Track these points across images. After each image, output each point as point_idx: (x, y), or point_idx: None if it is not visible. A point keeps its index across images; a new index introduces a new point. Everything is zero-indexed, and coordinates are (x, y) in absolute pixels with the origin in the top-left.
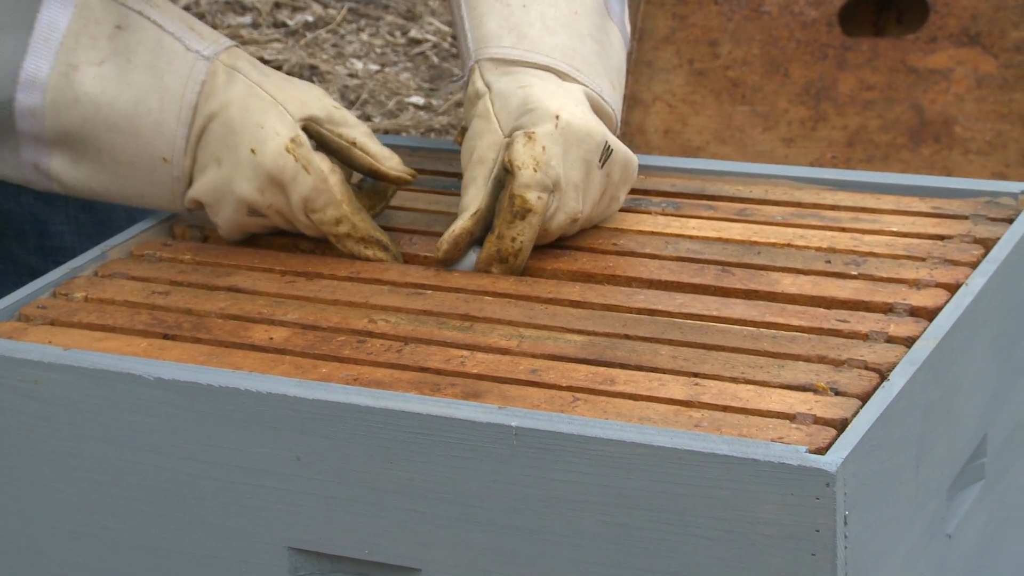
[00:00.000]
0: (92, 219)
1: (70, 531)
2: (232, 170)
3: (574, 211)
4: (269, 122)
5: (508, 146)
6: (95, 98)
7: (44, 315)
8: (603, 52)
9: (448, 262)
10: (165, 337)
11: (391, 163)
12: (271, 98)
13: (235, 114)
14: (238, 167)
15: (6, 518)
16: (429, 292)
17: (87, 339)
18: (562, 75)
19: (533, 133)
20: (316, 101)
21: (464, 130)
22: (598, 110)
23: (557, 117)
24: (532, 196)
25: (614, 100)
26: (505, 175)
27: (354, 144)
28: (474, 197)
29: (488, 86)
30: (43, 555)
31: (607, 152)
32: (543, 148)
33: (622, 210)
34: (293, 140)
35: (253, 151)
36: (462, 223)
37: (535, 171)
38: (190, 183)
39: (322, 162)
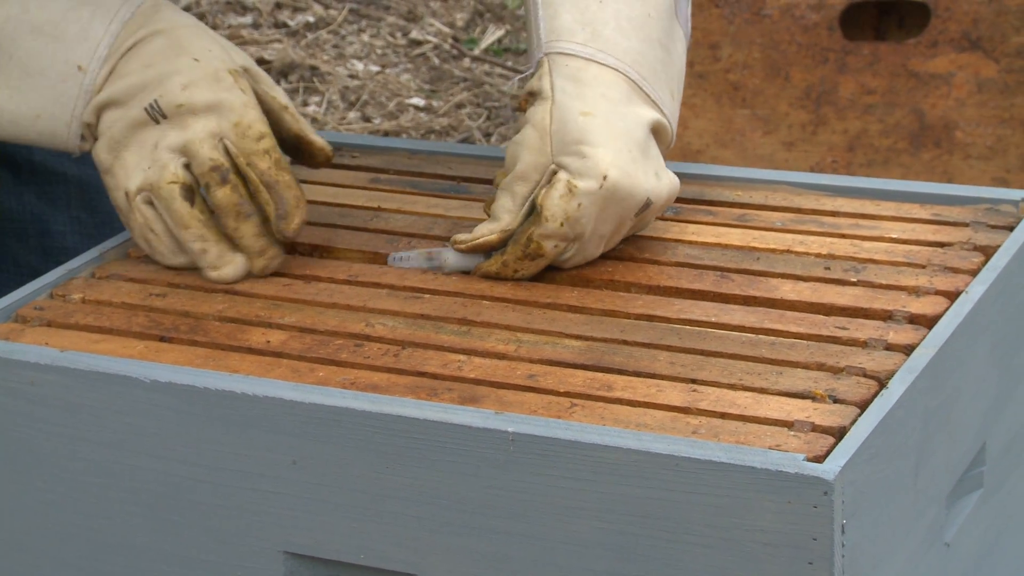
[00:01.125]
0: (94, 220)
1: (64, 533)
2: (164, 69)
3: (592, 256)
4: (217, 49)
5: (549, 185)
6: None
7: (41, 316)
8: (668, 59)
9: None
10: (162, 339)
11: (317, 135)
12: (219, 38)
13: (184, 35)
14: (174, 70)
15: (0, 518)
16: (427, 296)
17: (84, 341)
18: (630, 82)
19: (575, 187)
20: (253, 62)
21: (530, 96)
22: (658, 131)
23: (605, 177)
24: (548, 245)
25: (672, 111)
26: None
27: (286, 109)
28: (507, 211)
29: (552, 91)
30: (37, 556)
31: (645, 206)
32: (579, 205)
33: None
34: (235, 71)
35: (196, 60)
36: (489, 235)
37: (561, 225)
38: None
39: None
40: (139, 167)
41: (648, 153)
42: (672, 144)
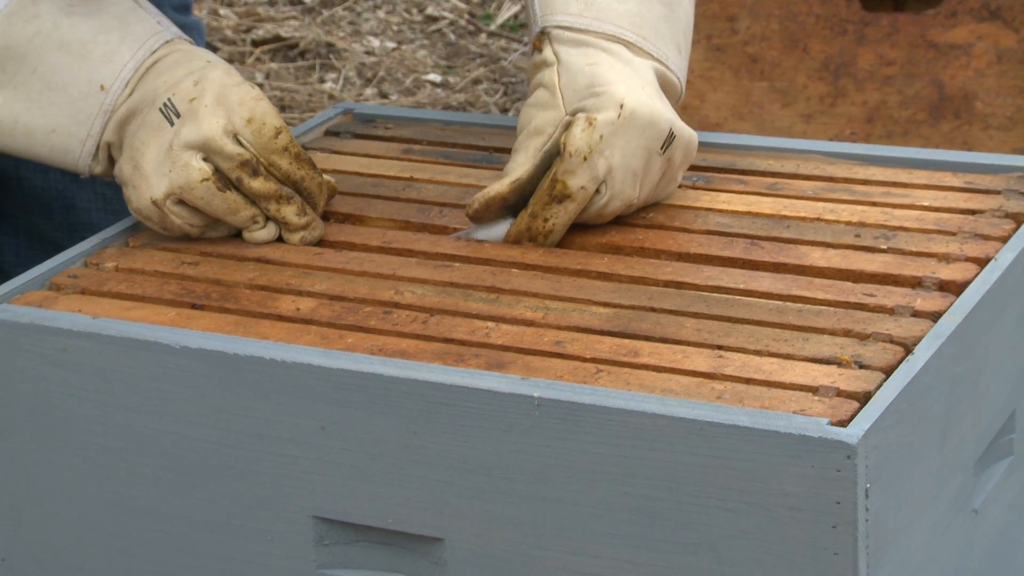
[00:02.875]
0: (118, 196)
1: (95, 498)
2: (176, 73)
3: (629, 198)
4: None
5: (567, 126)
6: (56, 18)
7: (75, 284)
8: (671, 15)
9: (476, 220)
10: (193, 307)
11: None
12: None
13: (199, 51)
14: (186, 72)
15: (32, 484)
16: (457, 264)
17: (116, 308)
18: (630, 46)
19: (594, 119)
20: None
21: (535, 68)
22: (665, 84)
23: (622, 105)
24: (574, 184)
25: (679, 66)
26: (556, 153)
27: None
28: (519, 165)
29: (556, 56)
30: (67, 522)
31: (670, 138)
32: (600, 137)
33: None
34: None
35: (208, 61)
36: (498, 187)
37: (585, 159)
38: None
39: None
40: (159, 172)
41: (662, 95)
42: (681, 98)
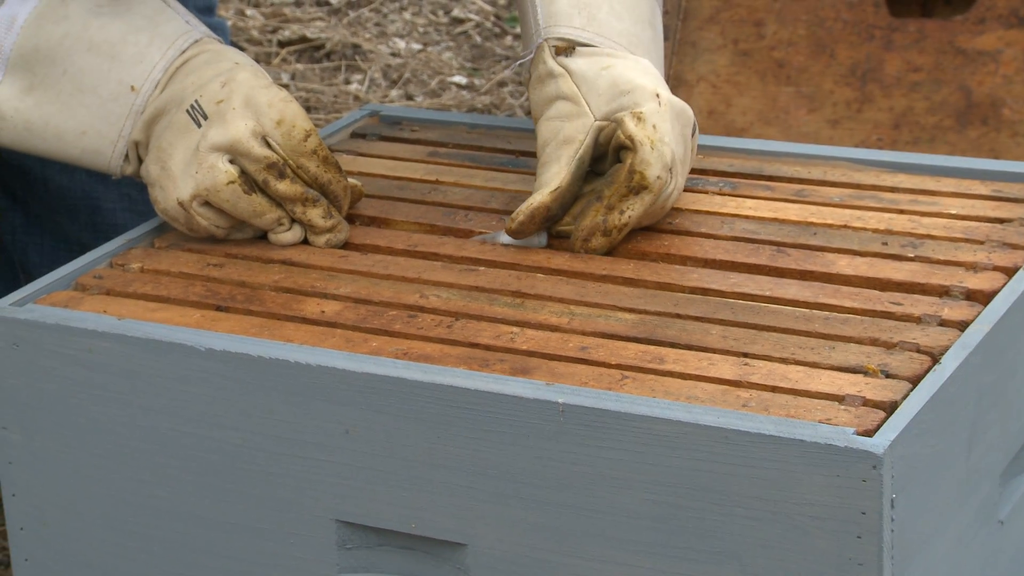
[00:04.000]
0: (144, 197)
1: (118, 499)
2: (204, 74)
3: (681, 186)
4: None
5: (619, 123)
6: (85, 19)
7: (100, 285)
8: (655, 37)
9: (520, 235)
10: (218, 309)
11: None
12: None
13: (228, 51)
14: (215, 73)
15: (56, 484)
16: (482, 269)
17: (141, 309)
18: (627, 58)
19: (641, 113)
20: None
21: (539, 81)
22: None
23: (658, 95)
24: (651, 174)
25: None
26: (593, 158)
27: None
28: (555, 174)
29: (565, 67)
30: (91, 522)
31: (694, 128)
32: (654, 126)
33: None
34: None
35: (237, 63)
36: (541, 198)
37: (652, 148)
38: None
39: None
40: (186, 173)
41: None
42: None
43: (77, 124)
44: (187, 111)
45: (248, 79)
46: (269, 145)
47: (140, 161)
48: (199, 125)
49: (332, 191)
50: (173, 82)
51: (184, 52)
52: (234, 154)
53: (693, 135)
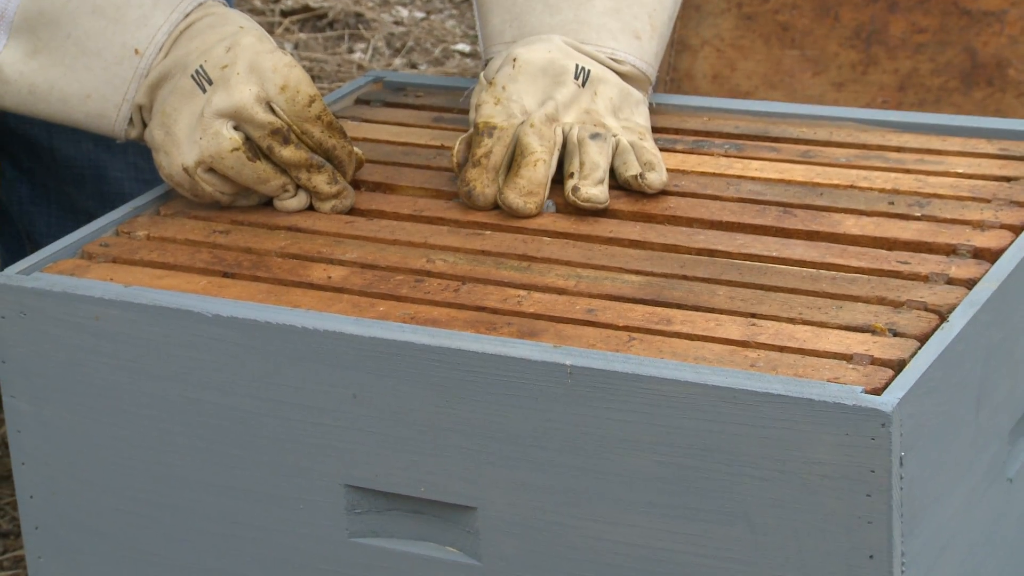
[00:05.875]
0: (150, 165)
1: (127, 466)
2: (209, 38)
3: (588, 109)
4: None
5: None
6: None
7: (106, 253)
8: (619, 5)
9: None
10: (225, 275)
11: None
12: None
13: (233, 15)
14: (219, 37)
15: (65, 453)
16: (488, 232)
17: (148, 276)
18: (565, 47)
19: (493, 79)
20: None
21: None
22: (623, 75)
23: (515, 60)
24: (493, 117)
25: (636, 52)
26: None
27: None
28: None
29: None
30: (99, 490)
31: (581, 72)
32: (503, 87)
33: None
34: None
35: (241, 27)
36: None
37: (496, 104)
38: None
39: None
40: (191, 139)
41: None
42: (654, 80)
43: (81, 87)
44: (192, 76)
45: (253, 44)
46: (273, 111)
47: (144, 125)
48: (204, 90)
49: (337, 156)
50: (177, 46)
51: (188, 15)
52: (238, 120)
53: (584, 80)
